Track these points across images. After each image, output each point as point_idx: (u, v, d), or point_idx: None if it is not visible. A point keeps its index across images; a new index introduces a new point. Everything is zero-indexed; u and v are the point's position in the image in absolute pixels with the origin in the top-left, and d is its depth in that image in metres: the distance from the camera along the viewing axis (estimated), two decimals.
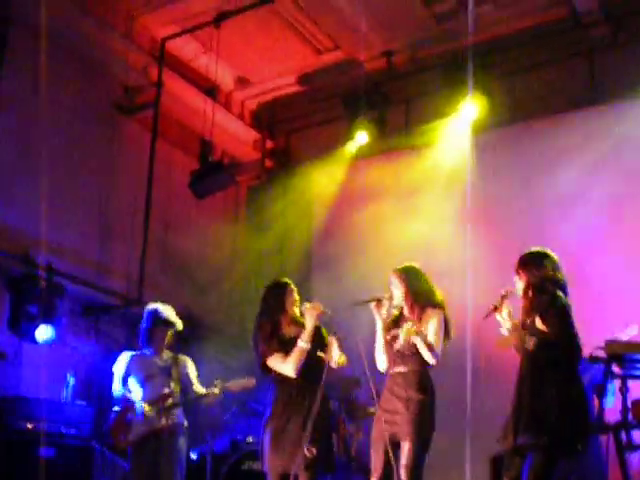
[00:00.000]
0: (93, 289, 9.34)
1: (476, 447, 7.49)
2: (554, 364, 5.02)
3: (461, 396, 7.53)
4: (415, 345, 5.60)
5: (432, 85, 10.47)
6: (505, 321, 5.28)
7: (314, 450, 5.41)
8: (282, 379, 5.73)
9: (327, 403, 5.83)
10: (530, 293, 5.24)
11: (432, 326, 5.64)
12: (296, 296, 5.96)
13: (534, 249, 5.44)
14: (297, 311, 5.89)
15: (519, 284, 5.36)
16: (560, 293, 5.16)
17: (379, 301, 5.72)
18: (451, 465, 7.34)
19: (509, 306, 5.30)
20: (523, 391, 5.10)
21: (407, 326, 5.56)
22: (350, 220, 10.50)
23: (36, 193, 8.57)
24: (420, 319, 5.67)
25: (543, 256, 5.35)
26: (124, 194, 10.01)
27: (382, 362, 5.75)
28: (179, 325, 6.89)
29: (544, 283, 5.21)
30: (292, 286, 6.00)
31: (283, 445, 5.58)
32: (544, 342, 5.05)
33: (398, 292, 5.78)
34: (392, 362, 5.69)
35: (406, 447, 5.39)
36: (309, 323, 5.66)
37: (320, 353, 5.64)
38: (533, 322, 5.15)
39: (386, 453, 5.46)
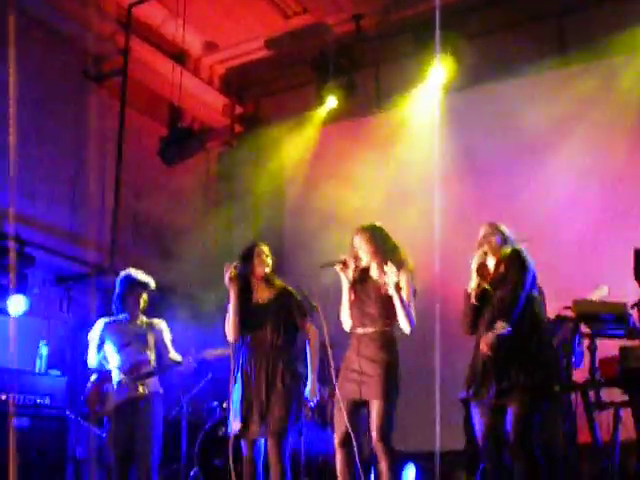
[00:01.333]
0: (65, 258, 9.33)
1: (448, 405, 7.58)
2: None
3: (430, 354, 7.58)
4: (383, 305, 5.61)
5: (402, 48, 10.46)
6: (474, 282, 5.36)
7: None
8: (241, 341, 5.90)
9: (290, 363, 5.85)
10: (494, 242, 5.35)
11: (404, 286, 5.64)
12: (265, 257, 6.00)
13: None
14: (268, 271, 5.98)
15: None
16: (519, 246, 5.26)
17: (345, 263, 5.71)
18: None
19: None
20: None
21: (391, 271, 5.52)
22: (321, 183, 10.50)
23: (5, 163, 8.50)
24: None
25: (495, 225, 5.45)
26: (94, 162, 9.93)
27: (347, 322, 5.75)
28: (152, 284, 6.86)
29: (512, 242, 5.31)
30: (262, 247, 6.04)
31: (246, 414, 5.69)
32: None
33: (364, 251, 5.75)
34: (357, 322, 5.66)
35: (376, 406, 5.40)
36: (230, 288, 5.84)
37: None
38: (503, 276, 5.25)
39: (350, 413, 5.50)
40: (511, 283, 5.12)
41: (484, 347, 5.04)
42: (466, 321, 5.36)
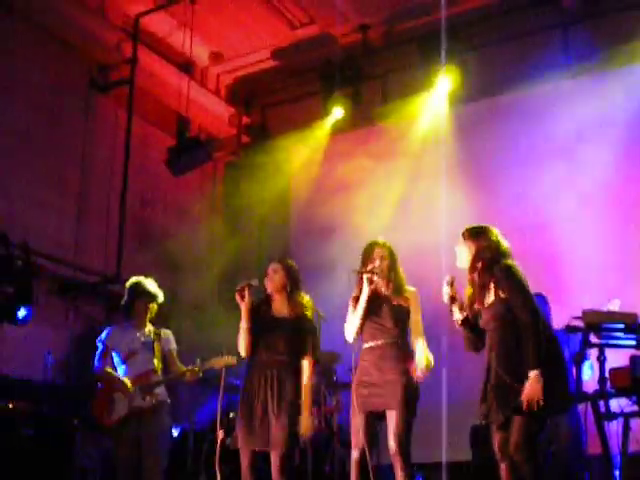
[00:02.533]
0: (70, 268, 9.32)
1: (455, 416, 7.55)
2: (520, 328, 4.99)
3: (437, 365, 7.57)
4: (396, 317, 5.65)
5: (408, 59, 10.48)
6: (457, 311, 5.23)
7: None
8: (248, 357, 5.92)
9: (295, 380, 5.83)
10: (480, 264, 5.18)
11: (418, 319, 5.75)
12: (273, 274, 5.99)
13: (478, 225, 5.36)
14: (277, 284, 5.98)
15: (463, 254, 5.27)
16: (512, 262, 5.13)
17: (375, 273, 5.71)
18: (431, 435, 7.38)
19: (454, 292, 5.22)
20: (492, 364, 5.07)
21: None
22: (328, 194, 10.50)
23: (12, 172, 8.52)
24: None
25: (486, 229, 5.30)
26: (101, 172, 9.97)
27: (354, 334, 5.73)
28: (160, 297, 6.86)
29: (493, 253, 5.18)
30: (272, 265, 6.05)
31: (249, 423, 5.69)
32: (508, 309, 5.01)
33: (380, 267, 5.77)
34: (371, 335, 5.67)
35: (396, 416, 5.40)
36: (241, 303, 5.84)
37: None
38: (498, 296, 5.09)
39: (369, 425, 5.51)
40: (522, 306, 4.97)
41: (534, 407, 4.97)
42: (470, 345, 5.29)
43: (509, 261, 5.09)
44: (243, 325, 5.85)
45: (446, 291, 5.23)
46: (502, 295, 5.02)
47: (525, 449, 4.79)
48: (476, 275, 5.16)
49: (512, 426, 4.85)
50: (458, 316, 5.23)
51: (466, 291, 5.23)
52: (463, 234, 5.29)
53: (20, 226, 8.44)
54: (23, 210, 8.60)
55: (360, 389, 5.62)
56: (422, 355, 5.55)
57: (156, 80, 10.56)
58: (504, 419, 4.90)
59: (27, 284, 8.23)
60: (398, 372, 5.52)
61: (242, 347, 5.88)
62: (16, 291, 8.04)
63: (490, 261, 5.11)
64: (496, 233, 5.26)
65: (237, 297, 5.86)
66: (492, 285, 5.08)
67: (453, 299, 5.23)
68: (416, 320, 5.71)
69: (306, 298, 6.04)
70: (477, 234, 5.25)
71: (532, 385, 4.74)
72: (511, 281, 5.00)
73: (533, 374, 4.75)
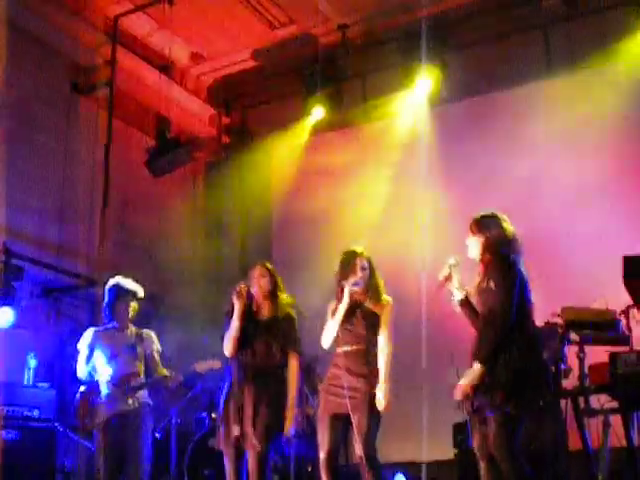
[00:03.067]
0: (53, 270, 9.30)
1: (437, 415, 7.58)
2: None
3: (418, 364, 7.60)
4: (369, 324, 5.73)
5: (388, 58, 10.52)
6: (457, 290, 5.28)
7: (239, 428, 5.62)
8: (230, 358, 5.93)
9: (275, 379, 5.87)
10: (487, 256, 5.21)
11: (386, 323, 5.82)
12: (259, 277, 6.02)
13: (488, 212, 5.37)
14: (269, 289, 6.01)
15: (475, 246, 5.32)
16: (517, 258, 5.15)
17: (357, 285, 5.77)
18: (411, 434, 7.43)
19: (458, 274, 5.28)
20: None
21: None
22: (309, 194, 10.52)
23: None
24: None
25: (498, 218, 5.32)
26: (82, 173, 9.94)
27: (330, 340, 5.80)
28: (140, 293, 6.84)
29: (500, 244, 5.22)
30: (256, 268, 6.08)
31: (231, 424, 5.70)
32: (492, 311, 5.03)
33: (361, 277, 5.82)
34: (343, 341, 5.74)
35: (363, 421, 5.48)
36: (235, 305, 5.84)
37: None
38: (488, 285, 5.13)
39: (334, 427, 5.59)
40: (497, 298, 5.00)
41: (458, 395, 5.02)
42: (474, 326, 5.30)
43: (509, 254, 5.11)
44: (235, 324, 5.84)
45: (444, 272, 5.26)
46: (491, 285, 5.05)
47: (503, 446, 4.82)
48: (482, 266, 5.21)
49: (489, 423, 4.88)
50: (458, 295, 5.25)
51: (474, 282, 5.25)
52: (470, 226, 5.31)
53: (2, 229, 8.42)
54: (5, 212, 8.57)
55: (327, 391, 5.73)
56: (382, 395, 5.56)
57: (136, 81, 10.56)
58: (479, 405, 4.94)
59: (9, 287, 8.24)
60: (365, 377, 5.61)
61: (228, 346, 5.87)
62: None
63: (495, 251, 5.15)
64: (504, 221, 5.28)
65: (234, 296, 5.86)
66: (491, 282, 5.11)
67: (447, 280, 5.27)
68: (385, 326, 5.76)
69: (289, 299, 6.09)
70: (484, 225, 5.27)
71: (469, 376, 4.87)
72: (499, 274, 5.03)
73: (477, 367, 4.84)
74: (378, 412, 5.55)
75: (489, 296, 5.03)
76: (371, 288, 5.83)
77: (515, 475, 4.78)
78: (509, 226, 5.25)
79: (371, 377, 5.60)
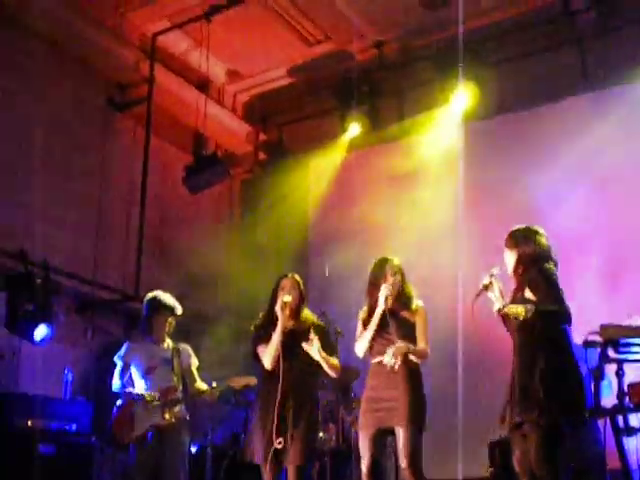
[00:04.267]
0: (89, 285, 9.37)
1: (473, 432, 7.53)
2: (543, 335, 4.99)
3: (454, 382, 7.56)
4: (406, 333, 5.72)
5: (424, 75, 10.53)
6: (497, 299, 5.25)
7: (281, 441, 5.57)
8: (265, 371, 5.91)
9: (312, 394, 5.89)
10: (521, 269, 5.20)
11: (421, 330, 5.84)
12: (290, 285, 6.02)
13: (523, 225, 5.39)
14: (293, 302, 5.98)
15: (510, 260, 5.31)
16: (549, 265, 5.13)
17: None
18: (448, 451, 7.37)
19: (500, 284, 5.24)
20: (514, 368, 5.09)
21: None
22: (345, 212, 10.52)
23: (31, 191, 8.58)
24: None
25: (533, 232, 5.31)
26: (119, 190, 10.04)
27: (365, 350, 5.79)
28: (178, 309, 6.86)
29: (535, 258, 5.19)
30: (288, 277, 6.07)
31: (267, 437, 5.68)
32: (533, 313, 5.02)
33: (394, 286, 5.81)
34: (379, 351, 5.72)
35: (406, 433, 5.45)
36: (279, 317, 5.82)
37: (308, 346, 5.71)
38: (523, 295, 5.11)
39: (376, 441, 5.55)
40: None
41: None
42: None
43: (547, 265, 5.10)
44: (278, 338, 5.81)
45: (485, 280, 5.22)
46: (531, 297, 5.02)
47: (545, 462, 4.78)
48: (516, 279, 5.18)
49: (529, 439, 4.84)
50: (497, 305, 5.19)
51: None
52: (506, 241, 5.31)
53: (39, 244, 8.49)
54: (42, 228, 8.65)
55: (367, 405, 5.69)
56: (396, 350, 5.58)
57: (173, 98, 10.62)
58: (520, 421, 4.90)
59: (47, 302, 8.30)
60: (405, 388, 5.57)
61: (269, 359, 5.83)
62: (36, 309, 8.11)
63: (529, 265, 5.13)
64: (539, 234, 5.28)
65: (279, 309, 5.85)
66: (527, 288, 5.09)
67: (488, 289, 5.23)
68: (421, 332, 5.76)
69: (310, 314, 6.09)
70: (519, 239, 5.28)
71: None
72: (544, 280, 5.04)
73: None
74: (421, 423, 5.53)
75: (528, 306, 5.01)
76: (403, 295, 5.83)
77: None
78: (543, 239, 5.24)
79: (409, 387, 5.57)
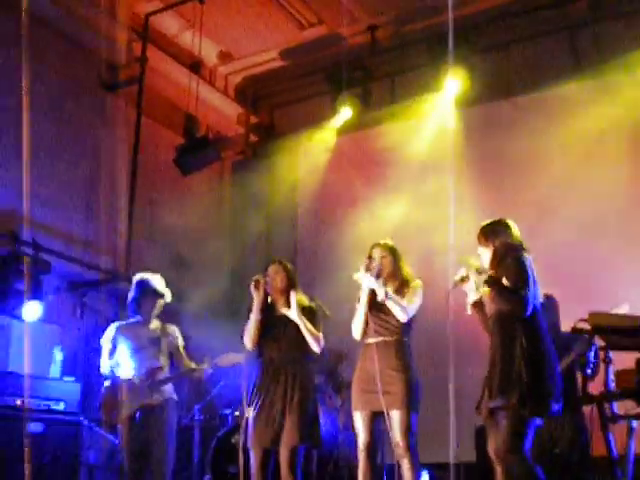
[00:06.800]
0: (79, 265, 9.36)
1: (461, 418, 7.57)
2: (514, 325, 5.03)
3: (444, 368, 7.59)
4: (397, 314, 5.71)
5: (416, 60, 10.54)
6: (472, 292, 5.31)
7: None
8: (259, 354, 5.98)
9: (307, 377, 5.92)
10: (496, 261, 5.24)
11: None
12: (274, 274, 6.07)
13: (491, 220, 5.45)
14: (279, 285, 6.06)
15: (486, 256, 5.35)
16: (522, 254, 5.18)
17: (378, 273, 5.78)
18: (435, 437, 7.40)
19: (476, 277, 5.29)
20: (491, 358, 5.15)
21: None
22: (335, 194, 10.54)
23: (21, 170, 8.55)
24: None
25: (504, 225, 5.37)
26: (109, 170, 9.98)
27: (360, 331, 5.81)
28: (168, 296, 6.89)
29: (509, 249, 5.23)
30: (274, 263, 6.15)
31: (262, 422, 5.74)
32: (506, 293, 5.07)
33: (385, 268, 5.83)
34: (373, 332, 5.73)
35: (401, 415, 5.48)
36: (254, 296, 5.92)
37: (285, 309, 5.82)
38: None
39: (371, 422, 5.58)
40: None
41: None
42: (487, 328, 5.33)
43: (519, 253, 5.15)
44: (255, 317, 5.91)
45: (462, 272, 5.31)
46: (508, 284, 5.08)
47: (513, 450, 4.82)
48: (493, 272, 5.23)
49: (500, 427, 4.89)
50: (472, 297, 5.29)
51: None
52: (478, 237, 5.35)
53: (30, 224, 8.48)
54: (33, 208, 8.63)
55: (360, 385, 5.70)
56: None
57: (165, 79, 10.61)
58: (492, 407, 4.95)
59: (36, 281, 8.30)
60: (400, 370, 5.58)
61: (250, 339, 5.93)
62: (26, 288, 8.11)
63: (504, 256, 5.18)
64: (509, 226, 5.34)
65: (252, 287, 5.94)
66: (504, 278, 5.13)
67: (464, 281, 5.30)
68: (407, 296, 5.75)
69: (303, 296, 6.12)
70: (491, 234, 5.32)
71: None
72: (515, 267, 5.07)
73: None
74: (417, 406, 5.56)
75: (500, 284, 5.09)
76: (398, 275, 5.84)
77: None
78: (515, 231, 5.30)
79: (404, 369, 5.58)
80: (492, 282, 5.16)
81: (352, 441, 6.35)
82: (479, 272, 5.25)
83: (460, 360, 7.23)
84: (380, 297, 5.66)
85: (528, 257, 5.19)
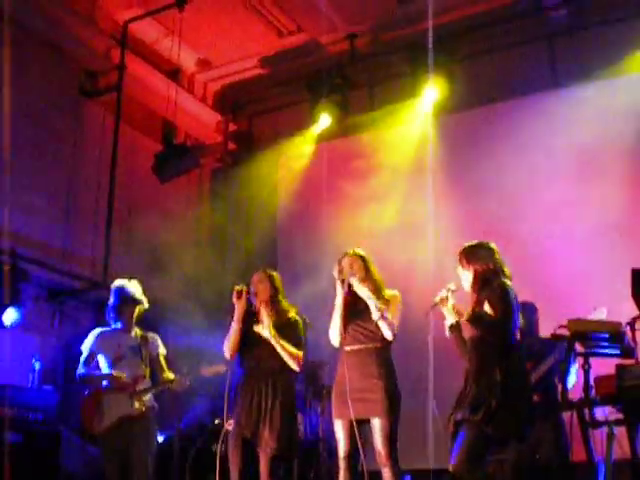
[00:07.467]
0: (58, 274, 9.31)
1: (442, 425, 7.58)
2: (497, 348, 5.07)
3: (424, 374, 7.60)
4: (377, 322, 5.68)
5: (395, 68, 10.57)
6: (450, 315, 5.33)
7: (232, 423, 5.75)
8: (239, 363, 6.00)
9: (286, 387, 5.92)
10: (478, 286, 5.26)
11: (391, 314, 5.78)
12: (257, 284, 6.07)
13: (475, 242, 5.45)
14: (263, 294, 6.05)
15: (466, 278, 5.37)
16: (504, 280, 5.21)
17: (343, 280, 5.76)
18: (415, 443, 7.41)
19: (455, 300, 5.32)
20: (466, 380, 5.16)
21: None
22: (314, 202, 10.54)
23: None
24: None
25: (486, 249, 5.38)
26: (88, 178, 9.97)
27: (338, 338, 5.75)
28: (145, 303, 6.85)
29: (491, 275, 5.25)
30: (258, 272, 6.15)
31: (241, 431, 5.74)
32: (491, 326, 5.11)
33: (357, 276, 5.83)
34: (352, 339, 5.70)
35: (382, 422, 5.45)
36: (236, 306, 5.91)
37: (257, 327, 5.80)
38: (481, 310, 5.18)
39: (351, 430, 5.54)
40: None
41: None
42: (464, 353, 5.34)
43: (503, 280, 5.17)
44: (235, 326, 5.90)
45: (442, 294, 5.31)
46: (491, 312, 5.10)
47: (467, 462, 4.83)
48: (475, 295, 5.24)
49: (464, 436, 4.92)
50: (450, 320, 5.30)
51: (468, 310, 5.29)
52: (460, 260, 5.36)
53: (7, 231, 8.42)
54: (11, 215, 8.58)
55: (340, 394, 5.64)
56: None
57: (144, 87, 10.58)
58: (453, 426, 4.98)
59: (15, 289, 8.25)
60: (380, 377, 5.56)
61: (229, 347, 5.94)
62: (3, 295, 8.07)
63: (486, 281, 5.19)
64: (491, 250, 5.35)
65: (234, 297, 5.92)
66: (486, 303, 5.15)
67: (442, 303, 5.31)
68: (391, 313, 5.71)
69: (289, 305, 6.12)
70: (473, 257, 5.33)
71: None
72: (500, 298, 5.09)
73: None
74: (397, 413, 5.54)
75: (484, 318, 5.09)
76: (370, 280, 5.79)
77: None
78: (496, 254, 5.32)
79: (384, 376, 5.56)
80: (474, 320, 5.18)
81: (332, 448, 6.35)
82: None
83: (443, 367, 7.27)
84: (375, 317, 5.64)
85: (510, 283, 5.21)
